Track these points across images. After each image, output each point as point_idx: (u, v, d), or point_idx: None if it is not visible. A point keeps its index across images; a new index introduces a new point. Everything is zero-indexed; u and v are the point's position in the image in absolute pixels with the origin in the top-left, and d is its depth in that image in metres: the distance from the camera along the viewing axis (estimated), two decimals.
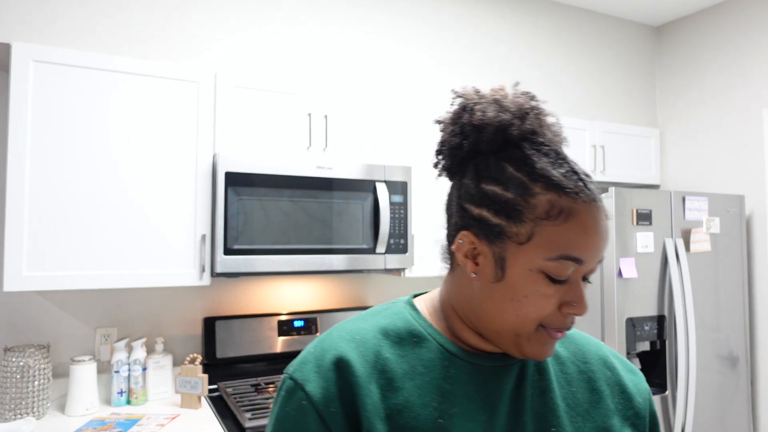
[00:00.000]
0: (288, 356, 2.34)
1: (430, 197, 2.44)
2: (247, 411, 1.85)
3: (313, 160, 2.09)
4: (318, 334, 2.40)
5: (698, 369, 2.50)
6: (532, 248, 0.62)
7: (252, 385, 2.17)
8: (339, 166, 2.13)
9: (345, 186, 2.13)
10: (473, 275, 0.67)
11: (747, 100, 2.94)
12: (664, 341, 2.45)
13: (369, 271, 2.19)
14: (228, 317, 2.27)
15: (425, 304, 0.75)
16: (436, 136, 2.46)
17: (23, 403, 1.82)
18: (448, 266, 0.74)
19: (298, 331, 2.36)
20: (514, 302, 0.64)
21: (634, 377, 0.79)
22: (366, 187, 2.17)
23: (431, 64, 2.74)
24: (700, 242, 2.56)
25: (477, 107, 0.68)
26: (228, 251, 1.93)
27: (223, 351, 2.21)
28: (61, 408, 1.96)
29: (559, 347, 0.77)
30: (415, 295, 0.79)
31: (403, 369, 0.66)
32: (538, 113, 0.69)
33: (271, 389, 2.13)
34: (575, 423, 0.71)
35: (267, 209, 2.00)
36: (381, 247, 2.17)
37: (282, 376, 0.69)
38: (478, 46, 2.86)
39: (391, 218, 2.20)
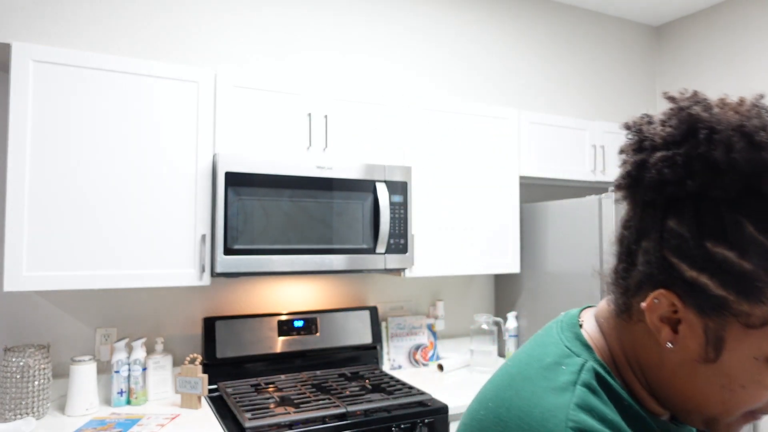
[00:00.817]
0: (288, 356, 2.34)
1: (430, 197, 2.44)
2: (247, 411, 1.85)
3: (313, 160, 2.09)
4: (318, 334, 2.40)
5: None
6: (766, 335, 0.49)
7: (252, 385, 2.17)
8: (339, 166, 2.13)
9: (345, 186, 2.13)
10: (669, 345, 0.53)
11: None
12: None
13: (369, 271, 2.19)
14: (228, 317, 2.27)
15: (598, 351, 0.60)
16: (434, 136, 2.46)
17: (23, 403, 1.82)
18: (620, 310, 0.59)
19: (298, 331, 2.36)
20: (725, 390, 0.52)
21: None
22: (366, 187, 2.17)
23: (431, 64, 2.74)
24: None
25: (717, 137, 0.50)
26: (228, 251, 1.93)
27: (223, 351, 2.21)
28: (61, 408, 1.96)
29: None
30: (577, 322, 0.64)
31: None
32: None
33: (271, 389, 2.13)
34: None
35: (267, 209, 2.00)
36: (381, 247, 2.17)
37: None
38: (478, 46, 2.86)
39: (391, 218, 2.20)
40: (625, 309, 0.58)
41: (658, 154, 0.53)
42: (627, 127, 0.58)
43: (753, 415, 0.54)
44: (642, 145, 0.55)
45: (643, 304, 0.54)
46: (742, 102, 0.53)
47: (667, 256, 0.52)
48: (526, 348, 0.64)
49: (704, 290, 0.50)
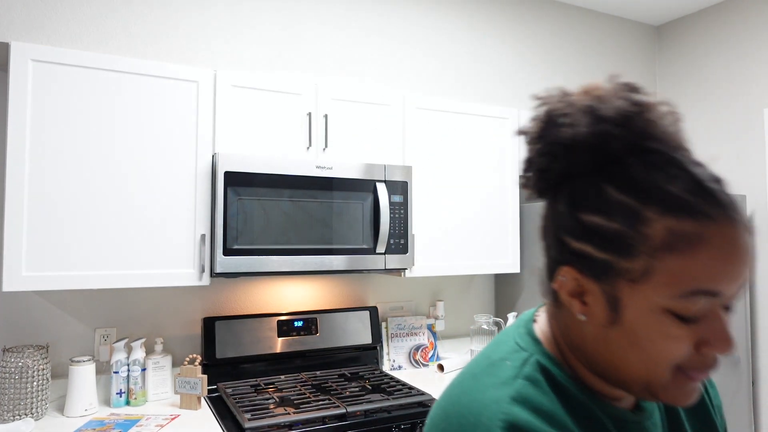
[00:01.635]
0: (288, 356, 2.33)
1: (430, 197, 2.43)
2: (247, 411, 1.84)
3: (313, 160, 2.09)
4: (318, 334, 2.40)
5: None
6: (651, 286, 0.52)
7: (252, 386, 2.16)
8: (339, 166, 2.13)
9: (345, 186, 2.13)
10: (582, 317, 0.57)
11: (747, 100, 2.94)
12: None
13: (369, 271, 2.19)
14: (228, 317, 2.26)
15: (548, 344, 0.63)
16: (434, 136, 2.46)
17: (22, 403, 1.81)
18: (550, 299, 0.63)
19: (298, 331, 2.36)
20: (637, 348, 0.54)
21: (714, 390, 0.76)
22: (366, 187, 2.17)
23: (430, 65, 2.73)
24: None
25: (565, 120, 0.56)
26: (227, 251, 1.93)
27: (223, 351, 2.20)
28: (60, 409, 1.96)
29: None
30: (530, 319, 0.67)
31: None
32: (645, 112, 0.55)
33: (270, 389, 2.12)
34: None
35: (267, 209, 2.00)
36: (381, 247, 2.17)
37: None
38: (477, 45, 2.86)
39: (391, 218, 2.20)
40: (552, 296, 0.61)
41: (534, 147, 0.60)
42: (521, 133, 0.62)
43: (686, 375, 0.54)
44: (528, 144, 0.61)
45: (554, 285, 0.59)
46: (597, 86, 0.57)
47: (560, 236, 0.58)
48: (483, 348, 0.67)
49: (589, 257, 0.55)
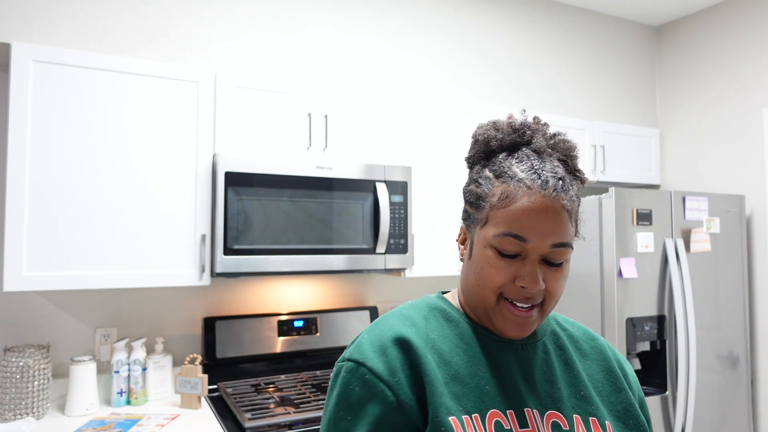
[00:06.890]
0: (288, 356, 2.33)
1: (430, 197, 2.44)
2: (247, 411, 1.85)
3: (313, 160, 2.09)
4: (318, 334, 2.40)
5: (698, 369, 2.50)
6: (486, 229, 0.76)
7: (252, 385, 2.17)
8: (339, 166, 2.13)
9: (345, 186, 2.13)
10: (461, 258, 0.84)
11: (747, 100, 2.94)
12: (664, 341, 2.45)
13: (369, 271, 2.19)
14: (228, 317, 2.27)
15: (452, 298, 0.88)
16: (434, 136, 2.47)
17: (23, 403, 1.82)
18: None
19: (298, 331, 2.36)
20: (475, 275, 0.78)
21: (629, 367, 0.91)
22: (366, 187, 2.17)
23: (431, 65, 2.74)
24: (700, 242, 2.56)
25: (479, 129, 0.84)
26: (228, 251, 1.93)
27: (223, 351, 2.21)
28: (61, 408, 1.96)
29: (570, 328, 0.90)
30: (443, 293, 0.90)
31: (448, 347, 0.77)
32: (527, 129, 0.81)
33: (271, 389, 2.13)
34: (597, 390, 0.83)
35: (267, 209, 2.00)
36: (381, 247, 2.17)
37: (337, 366, 0.77)
38: (476, 47, 2.86)
39: (391, 218, 2.20)
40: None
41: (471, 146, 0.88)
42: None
43: (507, 305, 0.76)
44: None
45: (457, 239, 0.86)
46: (511, 115, 0.85)
47: (464, 203, 0.84)
48: None
49: (467, 213, 0.82)
